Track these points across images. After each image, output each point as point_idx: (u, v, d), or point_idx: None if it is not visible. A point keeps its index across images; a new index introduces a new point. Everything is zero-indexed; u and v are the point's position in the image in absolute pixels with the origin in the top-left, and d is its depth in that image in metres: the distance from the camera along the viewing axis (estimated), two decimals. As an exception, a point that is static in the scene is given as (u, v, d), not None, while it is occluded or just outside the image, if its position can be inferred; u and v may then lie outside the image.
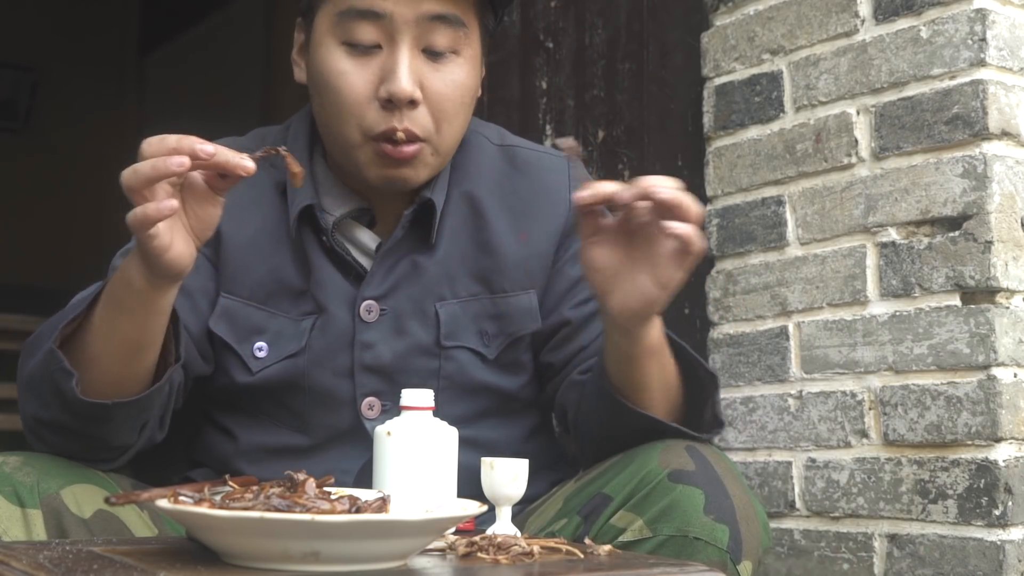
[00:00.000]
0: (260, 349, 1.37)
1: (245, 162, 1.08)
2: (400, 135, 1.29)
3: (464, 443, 1.30)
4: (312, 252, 1.37)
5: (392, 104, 1.28)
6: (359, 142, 1.31)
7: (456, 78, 1.32)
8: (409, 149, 1.30)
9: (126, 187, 1.07)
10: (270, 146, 1.13)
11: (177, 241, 1.11)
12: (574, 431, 1.47)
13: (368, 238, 1.39)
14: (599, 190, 1.15)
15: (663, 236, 1.16)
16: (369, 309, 1.36)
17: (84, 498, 1.18)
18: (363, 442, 1.33)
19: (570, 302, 1.45)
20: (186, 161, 1.06)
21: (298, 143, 1.40)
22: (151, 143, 1.08)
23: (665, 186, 1.14)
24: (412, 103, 1.29)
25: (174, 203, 1.07)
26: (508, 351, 1.43)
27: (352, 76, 1.29)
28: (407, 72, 1.28)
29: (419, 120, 1.30)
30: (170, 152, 1.06)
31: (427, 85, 1.30)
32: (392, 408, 1.34)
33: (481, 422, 1.42)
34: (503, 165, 1.45)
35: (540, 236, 1.43)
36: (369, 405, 1.37)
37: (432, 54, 1.31)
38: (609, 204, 1.17)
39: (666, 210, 1.15)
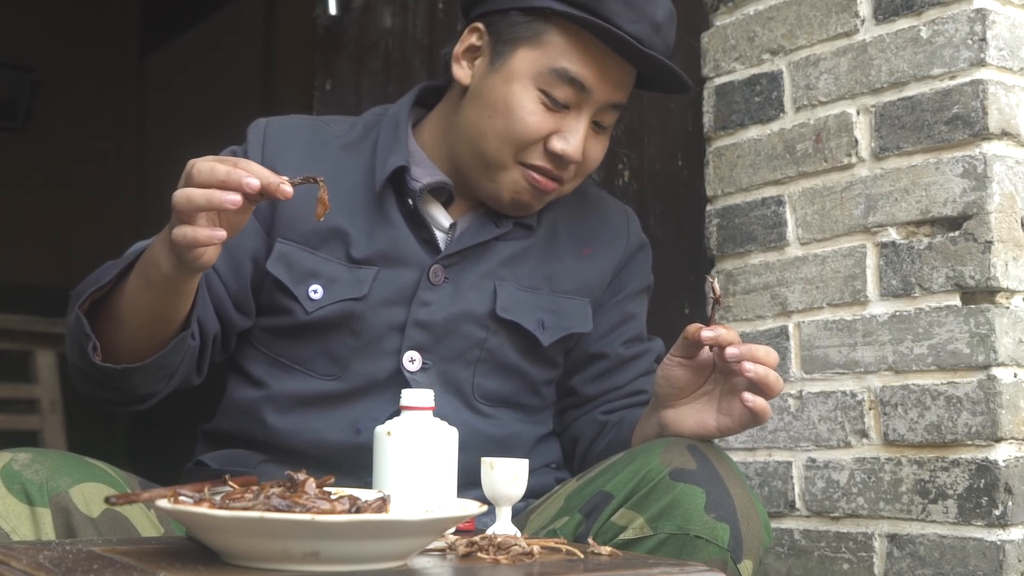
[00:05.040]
0: (315, 291, 1.45)
1: (284, 187, 1.15)
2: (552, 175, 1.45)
3: (487, 418, 1.46)
4: (391, 211, 1.47)
5: (559, 159, 1.44)
6: (508, 164, 1.45)
7: (604, 146, 1.51)
8: (553, 185, 1.46)
9: (177, 211, 1.15)
10: (309, 175, 1.21)
11: (211, 248, 1.19)
12: (583, 461, 1.54)
13: (442, 215, 1.50)
14: (721, 337, 1.29)
15: (742, 398, 1.30)
16: (436, 272, 1.46)
17: (93, 497, 1.19)
18: (397, 392, 1.39)
19: (618, 338, 1.58)
20: (239, 199, 1.13)
21: (399, 116, 1.52)
22: (201, 171, 1.14)
23: (767, 362, 1.29)
24: (573, 162, 1.45)
25: (223, 233, 1.16)
26: (558, 344, 1.53)
27: (536, 118, 1.43)
28: (582, 141, 1.44)
29: (570, 172, 1.47)
30: (220, 185, 1.13)
31: (587, 149, 1.47)
32: (431, 366, 1.45)
33: (503, 407, 1.48)
34: (574, 193, 1.59)
35: (601, 257, 1.58)
36: (411, 358, 1.45)
37: (598, 127, 1.48)
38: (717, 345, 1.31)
39: (755, 383, 1.29)
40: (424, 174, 1.48)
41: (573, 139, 1.43)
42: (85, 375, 1.32)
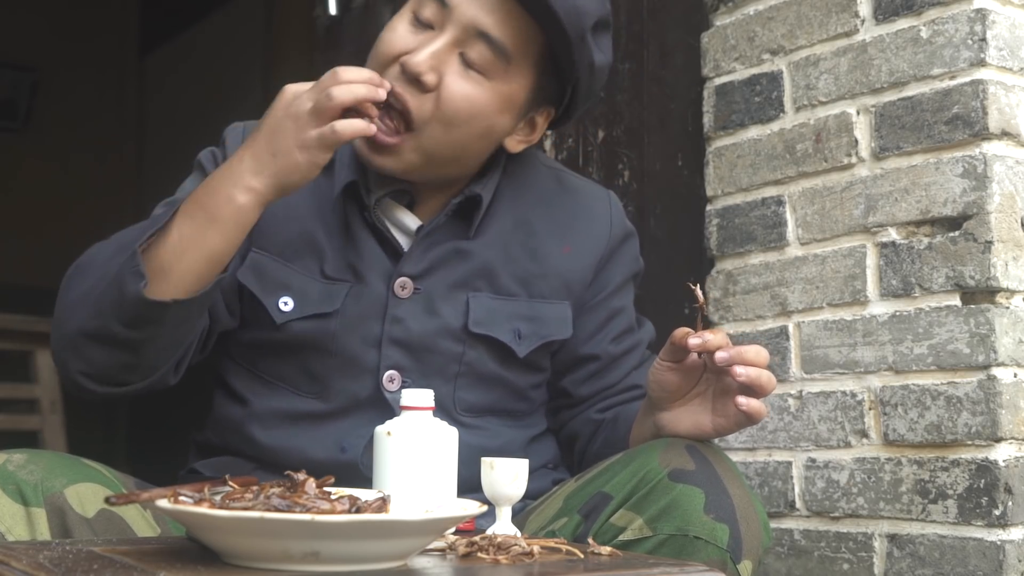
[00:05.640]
0: (285, 303, 1.42)
1: (382, 90, 1.29)
2: (392, 100, 1.35)
3: (473, 430, 1.40)
4: (354, 224, 1.43)
5: (405, 74, 1.35)
6: None
7: (474, 94, 1.36)
8: (390, 140, 1.36)
9: (338, 102, 1.24)
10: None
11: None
12: (582, 459, 1.53)
13: (410, 219, 1.44)
14: (709, 343, 1.26)
15: (735, 402, 1.28)
16: (403, 285, 1.42)
17: (88, 497, 1.18)
18: (379, 412, 1.38)
19: (607, 336, 1.54)
20: (384, 93, 1.28)
21: None
22: (349, 71, 1.26)
23: (757, 363, 1.27)
24: (421, 84, 1.34)
25: (374, 126, 1.28)
26: (537, 352, 1.48)
27: (398, 35, 1.39)
28: (428, 53, 1.35)
29: (422, 102, 1.35)
30: (369, 80, 1.27)
31: (445, 81, 1.35)
32: (411, 384, 1.41)
33: (491, 418, 1.46)
34: (552, 184, 1.54)
35: (582, 254, 1.51)
36: (390, 378, 1.42)
37: (465, 61, 1.36)
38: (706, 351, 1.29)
39: (747, 386, 1.27)
40: (379, 182, 1.43)
41: (421, 51, 1.34)
42: (96, 337, 1.27)
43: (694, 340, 1.27)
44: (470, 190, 1.44)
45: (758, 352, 1.28)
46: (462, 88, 1.35)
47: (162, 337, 1.30)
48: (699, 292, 1.30)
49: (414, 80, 1.34)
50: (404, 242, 1.43)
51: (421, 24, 1.38)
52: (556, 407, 1.57)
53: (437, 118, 1.35)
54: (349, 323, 1.41)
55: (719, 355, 1.26)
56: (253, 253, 1.43)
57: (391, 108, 1.34)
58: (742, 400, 1.27)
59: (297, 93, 1.26)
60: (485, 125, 1.38)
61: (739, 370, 1.26)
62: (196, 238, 1.26)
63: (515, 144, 1.45)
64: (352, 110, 1.26)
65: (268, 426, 1.43)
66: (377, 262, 1.42)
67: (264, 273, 1.43)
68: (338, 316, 1.41)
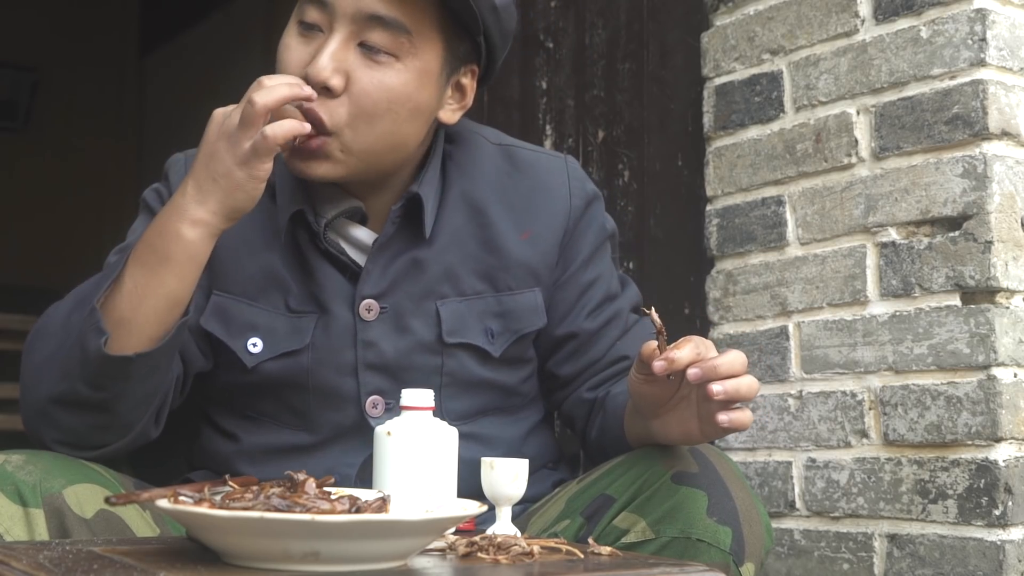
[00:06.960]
0: (254, 345, 1.38)
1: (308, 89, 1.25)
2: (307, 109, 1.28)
3: (466, 439, 1.31)
4: (309, 253, 1.38)
5: (312, 87, 1.27)
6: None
7: (388, 81, 1.30)
8: (313, 143, 1.28)
9: (262, 105, 1.19)
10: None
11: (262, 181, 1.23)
12: (584, 444, 1.49)
13: (365, 235, 1.39)
14: (676, 364, 1.17)
15: (717, 420, 1.19)
16: (369, 308, 1.37)
17: (86, 498, 1.18)
18: (366, 439, 1.32)
19: (581, 313, 1.47)
20: (309, 90, 1.23)
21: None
22: (271, 78, 1.23)
23: (733, 372, 1.17)
24: (328, 90, 1.28)
25: (307, 124, 1.23)
26: (513, 348, 1.44)
27: (292, 51, 1.34)
28: (327, 57, 1.28)
29: (333, 110, 1.28)
30: (293, 82, 1.23)
31: (354, 79, 1.29)
32: (395, 406, 1.33)
33: (482, 419, 1.44)
34: (503, 164, 1.46)
35: (543, 235, 1.44)
36: (373, 403, 1.38)
37: (368, 50, 1.30)
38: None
39: (727, 401, 1.18)
40: (327, 205, 1.38)
41: (315, 60, 1.28)
42: (64, 402, 1.24)
43: (658, 363, 1.17)
44: (409, 191, 1.37)
45: (732, 362, 1.18)
46: (372, 79, 1.29)
47: (131, 393, 1.26)
48: (655, 317, 1.20)
49: (323, 90, 1.28)
50: (362, 260, 1.38)
51: (309, 29, 1.32)
52: (548, 390, 1.52)
53: (356, 116, 1.29)
54: (321, 356, 1.38)
55: (691, 373, 1.17)
56: (216, 296, 1.39)
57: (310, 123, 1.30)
58: (723, 418, 1.19)
59: (226, 113, 1.22)
60: (410, 107, 1.32)
61: (715, 388, 1.17)
62: (151, 283, 1.22)
63: (450, 115, 1.39)
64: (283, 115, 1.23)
65: (257, 461, 1.40)
66: (338, 288, 1.38)
67: (229, 316, 1.38)
68: (309, 351, 1.38)
